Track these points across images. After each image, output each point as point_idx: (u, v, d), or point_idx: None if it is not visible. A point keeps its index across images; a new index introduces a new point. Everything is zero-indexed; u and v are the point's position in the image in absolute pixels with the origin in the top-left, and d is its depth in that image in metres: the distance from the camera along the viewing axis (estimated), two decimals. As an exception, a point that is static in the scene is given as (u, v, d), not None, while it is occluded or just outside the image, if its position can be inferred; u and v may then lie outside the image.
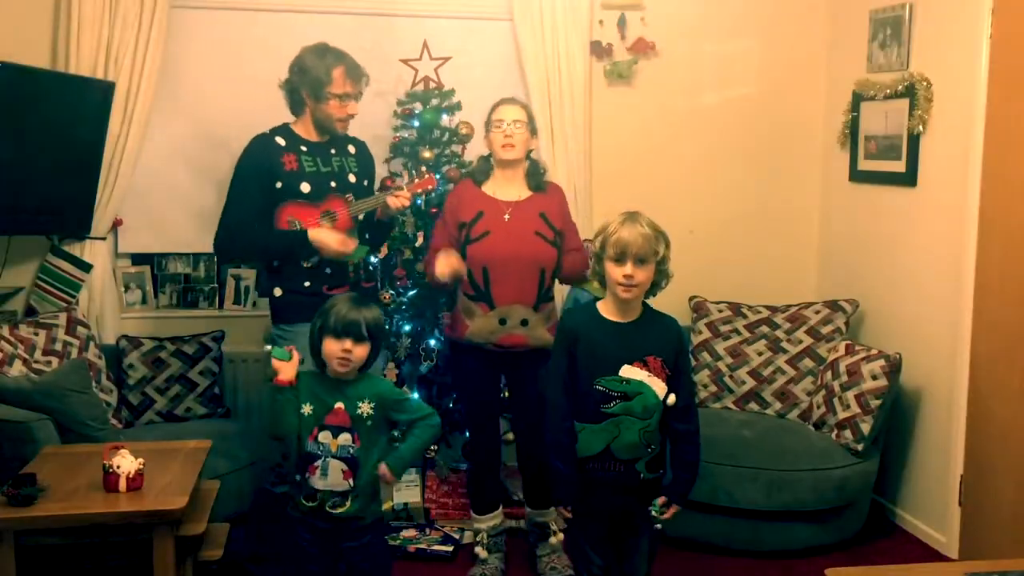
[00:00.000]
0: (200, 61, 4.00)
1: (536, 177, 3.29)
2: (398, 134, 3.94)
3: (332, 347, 2.53)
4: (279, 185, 3.12)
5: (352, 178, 3.26)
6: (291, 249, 3.13)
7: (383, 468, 2.57)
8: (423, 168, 3.74)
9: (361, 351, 2.54)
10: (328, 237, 3.10)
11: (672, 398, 2.54)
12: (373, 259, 3.74)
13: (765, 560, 3.50)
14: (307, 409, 2.55)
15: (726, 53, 4.38)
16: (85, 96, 3.68)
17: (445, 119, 3.92)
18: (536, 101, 4.10)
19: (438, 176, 3.49)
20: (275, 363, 2.54)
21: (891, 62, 3.88)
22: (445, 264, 3.10)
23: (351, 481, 2.54)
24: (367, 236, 3.31)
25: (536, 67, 4.11)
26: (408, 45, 4.01)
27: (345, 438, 2.54)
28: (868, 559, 3.54)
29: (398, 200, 3.19)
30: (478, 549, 3.35)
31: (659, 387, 2.52)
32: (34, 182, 3.55)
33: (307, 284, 3.15)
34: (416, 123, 3.89)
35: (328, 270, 3.16)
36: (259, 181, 3.12)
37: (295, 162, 3.14)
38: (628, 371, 2.51)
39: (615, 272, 2.51)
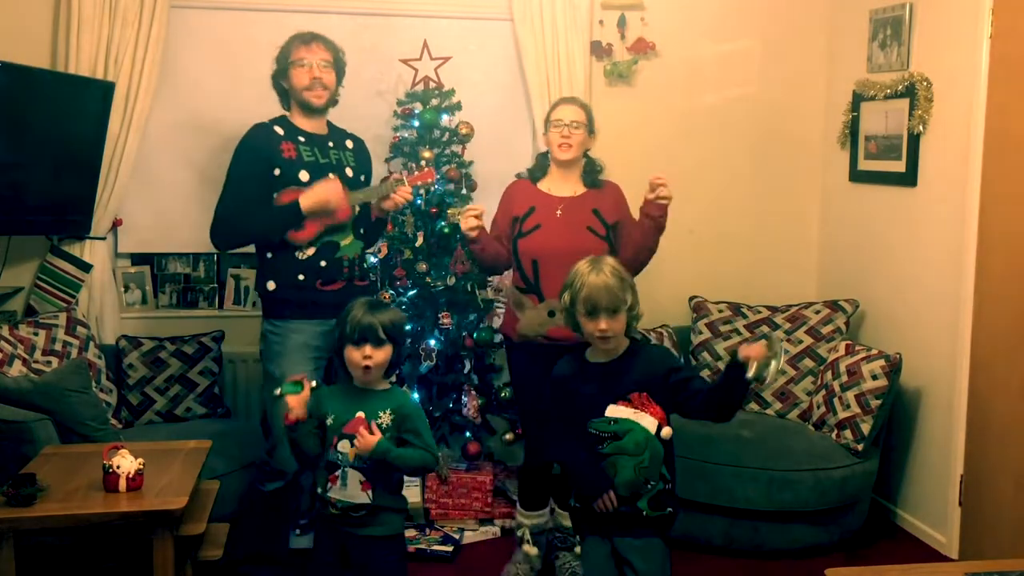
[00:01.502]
0: (200, 61, 4.00)
1: (592, 175, 3.28)
2: (398, 134, 3.94)
3: (353, 355, 2.50)
4: (277, 172, 3.09)
5: (349, 172, 3.24)
6: (287, 224, 3.07)
7: (370, 430, 2.45)
8: (423, 162, 3.74)
9: (381, 355, 2.51)
10: (320, 191, 3.06)
11: (666, 431, 2.50)
12: (372, 259, 3.74)
13: (765, 560, 3.50)
14: (331, 419, 2.52)
15: (726, 53, 4.39)
16: (85, 96, 3.68)
17: (445, 119, 3.92)
18: (536, 101, 4.11)
19: (438, 174, 3.46)
20: (288, 399, 2.47)
21: (891, 62, 3.88)
22: (464, 218, 3.09)
23: (370, 494, 2.49)
24: (361, 231, 3.27)
25: (536, 67, 4.11)
26: (408, 45, 4.01)
27: None
28: (868, 559, 3.54)
29: (398, 196, 3.19)
30: (526, 547, 3.35)
31: (648, 422, 2.49)
32: (34, 182, 3.55)
33: (301, 278, 3.10)
34: (416, 123, 3.89)
35: (323, 263, 3.12)
36: (257, 168, 3.09)
37: (293, 150, 3.12)
38: (614, 411, 2.50)
39: (589, 327, 2.53)
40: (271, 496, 3.13)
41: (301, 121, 3.21)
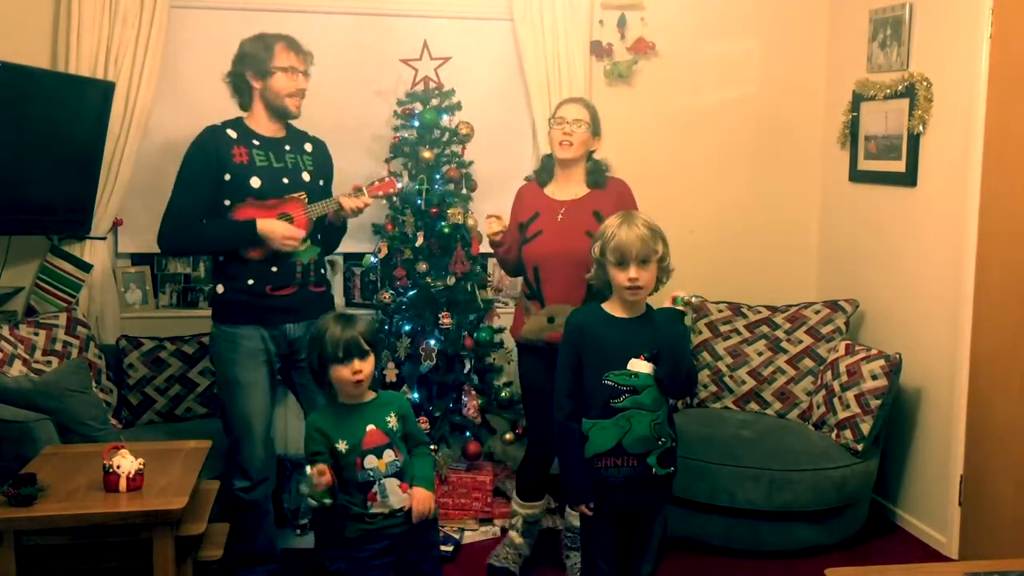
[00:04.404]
0: (200, 61, 4.00)
1: (596, 175, 3.25)
2: (398, 134, 3.94)
3: (342, 373, 2.48)
4: (227, 178, 3.01)
5: (306, 176, 3.14)
6: (237, 241, 3.01)
7: (421, 499, 2.57)
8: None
9: (369, 366, 2.51)
10: (275, 226, 2.99)
11: None
12: (372, 259, 3.74)
13: (765, 560, 3.50)
14: (342, 446, 2.49)
15: (726, 53, 4.39)
16: (85, 96, 3.68)
17: (445, 119, 3.92)
18: (536, 101, 4.11)
19: (399, 182, 3.39)
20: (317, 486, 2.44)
21: (891, 62, 3.88)
22: (488, 224, 3.16)
23: (411, 491, 2.57)
24: (319, 237, 3.19)
25: (536, 67, 4.11)
26: (408, 45, 4.01)
27: (389, 454, 2.53)
28: (868, 559, 3.55)
29: (353, 202, 3.10)
30: (512, 533, 3.40)
31: None
32: (34, 182, 3.55)
33: (250, 283, 3.03)
34: (416, 123, 3.89)
35: (274, 268, 3.05)
36: (206, 172, 3.01)
37: (246, 155, 3.03)
38: (636, 364, 2.54)
39: (619, 277, 2.55)
40: (240, 495, 3.11)
41: (259, 124, 3.11)
